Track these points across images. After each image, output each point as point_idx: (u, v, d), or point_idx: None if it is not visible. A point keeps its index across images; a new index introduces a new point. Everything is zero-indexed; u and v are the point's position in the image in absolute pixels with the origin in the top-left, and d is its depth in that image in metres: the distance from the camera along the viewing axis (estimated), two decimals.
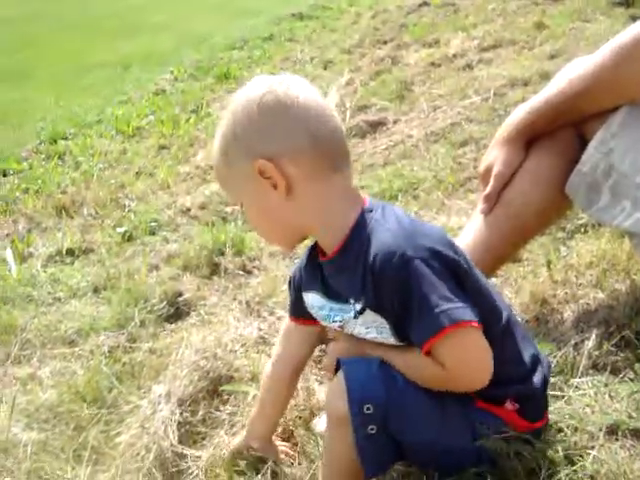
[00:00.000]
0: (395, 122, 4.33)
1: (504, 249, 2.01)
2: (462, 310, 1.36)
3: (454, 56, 5.51)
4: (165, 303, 2.68)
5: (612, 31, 1.87)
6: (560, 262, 2.31)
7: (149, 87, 7.59)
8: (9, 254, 3.69)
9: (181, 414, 1.93)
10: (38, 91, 8.41)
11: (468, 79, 4.81)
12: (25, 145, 6.17)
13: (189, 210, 3.79)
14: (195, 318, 2.57)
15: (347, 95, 4.96)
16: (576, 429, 1.58)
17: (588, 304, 2.08)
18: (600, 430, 1.56)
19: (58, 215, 4.24)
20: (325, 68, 6.46)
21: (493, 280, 2.26)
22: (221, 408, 1.97)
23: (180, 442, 1.88)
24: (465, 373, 1.42)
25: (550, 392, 1.71)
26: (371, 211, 1.46)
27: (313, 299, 1.59)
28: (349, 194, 1.49)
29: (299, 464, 1.74)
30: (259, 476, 1.71)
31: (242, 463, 1.76)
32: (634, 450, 1.52)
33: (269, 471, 1.71)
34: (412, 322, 1.39)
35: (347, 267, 1.45)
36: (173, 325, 2.58)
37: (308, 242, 1.62)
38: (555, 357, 1.84)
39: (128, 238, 3.60)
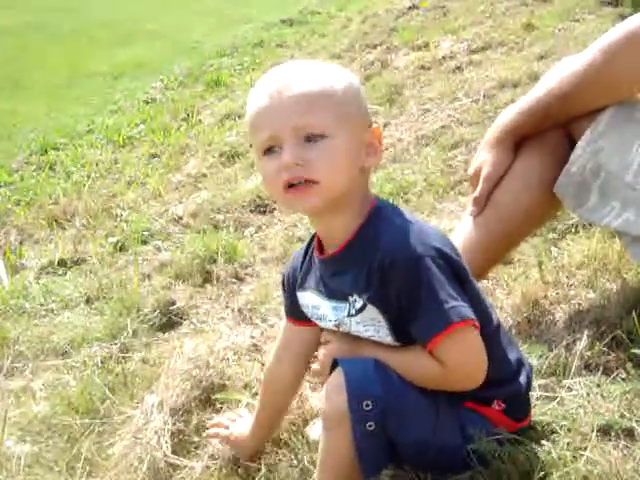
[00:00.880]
0: (385, 126, 4.33)
1: (495, 251, 2.01)
2: (467, 309, 1.40)
3: (443, 59, 5.52)
4: (157, 312, 2.67)
5: (601, 30, 1.88)
6: (551, 263, 2.31)
7: (140, 96, 7.59)
8: (1, 266, 3.68)
9: (174, 424, 1.93)
10: (29, 102, 8.39)
11: (458, 81, 4.81)
12: (16, 156, 6.16)
13: (181, 218, 3.78)
14: (187, 327, 2.56)
15: None
16: (569, 430, 1.58)
17: (580, 304, 2.08)
18: (593, 430, 1.56)
19: (50, 226, 4.23)
20: None
21: (484, 282, 2.26)
22: (215, 416, 1.96)
23: (173, 452, 1.87)
24: (464, 372, 1.45)
25: (542, 393, 1.72)
26: (381, 209, 1.49)
27: (309, 298, 1.60)
28: (368, 188, 1.54)
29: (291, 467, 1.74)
30: None
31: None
32: (627, 450, 1.52)
33: (263, 478, 1.71)
34: (418, 317, 1.41)
35: (353, 262, 1.47)
36: (166, 334, 2.57)
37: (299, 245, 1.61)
38: (547, 358, 1.84)
39: (120, 248, 3.59)
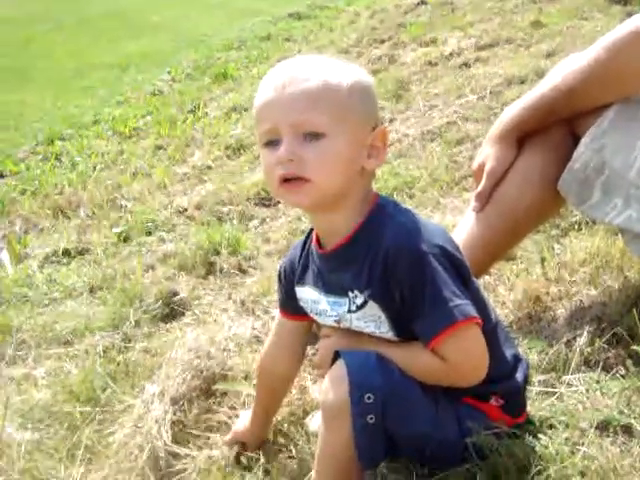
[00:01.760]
0: (391, 121, 4.33)
1: (497, 247, 2.01)
2: (470, 307, 1.41)
3: (451, 55, 5.52)
4: (160, 303, 2.67)
5: (609, 29, 1.87)
6: (554, 260, 2.31)
7: (146, 88, 7.60)
8: (5, 255, 3.70)
9: (174, 413, 1.93)
10: (36, 92, 8.41)
11: (464, 78, 4.81)
12: (22, 146, 6.18)
13: (185, 210, 3.79)
14: (190, 318, 2.56)
15: None
16: (567, 425, 1.58)
17: (581, 301, 2.08)
18: (591, 426, 1.57)
19: (55, 216, 4.25)
20: None
21: (486, 278, 2.27)
22: (215, 407, 1.97)
23: (174, 441, 1.87)
24: (466, 369, 1.46)
25: (542, 389, 1.73)
26: (383, 206, 1.49)
27: (308, 293, 1.60)
28: (371, 188, 1.53)
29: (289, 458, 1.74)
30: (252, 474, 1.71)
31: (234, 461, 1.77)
32: (625, 446, 1.53)
33: (261, 469, 1.71)
34: (421, 315, 1.42)
35: (354, 258, 1.47)
36: (168, 325, 2.58)
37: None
38: (547, 354, 1.85)
39: (124, 239, 3.60)
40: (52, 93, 8.14)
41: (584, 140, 1.87)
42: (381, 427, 1.42)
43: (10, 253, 3.72)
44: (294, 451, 1.77)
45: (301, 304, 1.65)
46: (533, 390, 1.72)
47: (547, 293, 2.14)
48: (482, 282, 2.22)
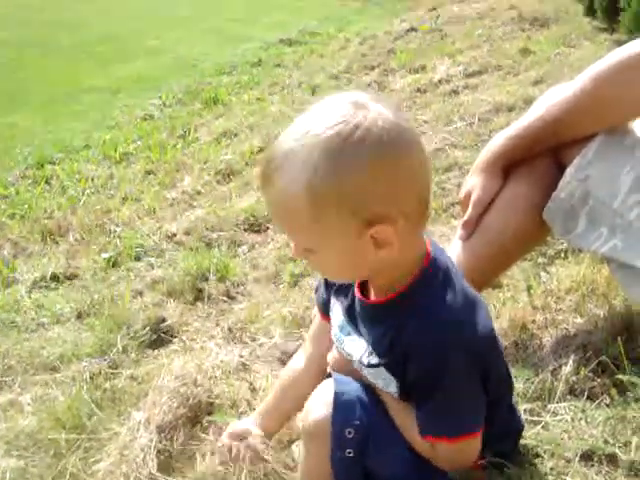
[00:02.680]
0: None
1: (483, 275, 2.01)
2: (476, 420, 1.40)
3: (440, 82, 5.57)
4: (148, 329, 2.67)
5: (596, 56, 1.90)
6: (540, 287, 2.33)
7: (137, 112, 7.61)
8: None
9: (160, 441, 1.92)
10: (26, 115, 8.41)
11: (453, 105, 4.85)
12: (12, 170, 6.16)
13: (174, 235, 3.78)
14: (177, 344, 2.56)
15: None
16: (552, 454, 1.59)
17: (567, 329, 2.10)
18: (576, 456, 1.57)
19: (44, 240, 4.23)
20: (313, 93, 6.50)
21: None
22: (202, 435, 1.96)
23: (159, 470, 1.87)
24: (449, 465, 1.46)
25: (528, 417, 1.73)
26: (432, 274, 1.38)
27: (337, 312, 1.56)
28: (421, 244, 1.40)
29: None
30: None
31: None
32: (609, 476, 1.54)
33: None
34: (425, 411, 1.39)
35: (382, 322, 1.41)
36: (155, 351, 2.57)
37: None
38: (533, 382, 1.86)
39: (113, 264, 3.59)
40: (43, 116, 8.14)
41: (569, 170, 1.89)
42: (359, 462, 1.42)
43: None
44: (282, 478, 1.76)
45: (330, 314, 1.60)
46: None
47: (533, 321, 2.15)
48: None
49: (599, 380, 1.83)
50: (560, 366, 1.90)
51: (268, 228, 3.61)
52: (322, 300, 1.65)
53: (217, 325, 2.60)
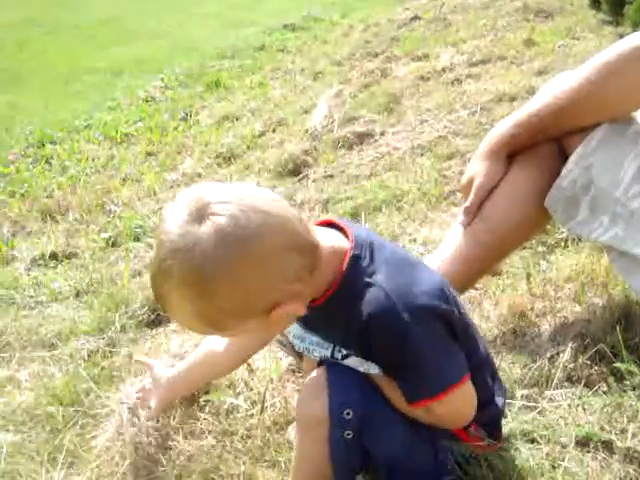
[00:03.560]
0: (382, 134, 4.34)
1: (483, 262, 2.01)
2: (455, 370, 1.39)
3: (443, 70, 5.54)
4: (146, 309, 2.67)
5: (600, 49, 1.88)
6: (539, 276, 2.33)
7: (139, 94, 7.58)
8: None
9: (157, 420, 1.93)
10: (28, 95, 8.39)
11: (456, 93, 4.83)
12: (12, 149, 6.15)
13: None
14: (174, 324, 2.56)
15: (336, 106, 4.99)
16: (549, 440, 1.60)
17: (565, 317, 2.10)
18: (572, 442, 1.58)
19: (43, 219, 4.23)
20: (315, 79, 6.48)
21: (472, 292, 2.28)
22: (198, 414, 1.97)
23: (156, 447, 1.88)
24: (453, 423, 1.47)
25: (524, 403, 1.74)
26: (359, 258, 1.37)
27: (294, 327, 1.56)
28: (332, 253, 1.36)
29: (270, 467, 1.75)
30: None
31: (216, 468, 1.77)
32: (605, 462, 1.54)
33: (242, 476, 1.71)
34: (403, 380, 1.39)
35: (334, 319, 1.41)
36: (153, 331, 2.58)
37: None
38: (530, 369, 1.86)
39: (112, 243, 3.59)
40: (44, 96, 8.10)
41: (572, 158, 1.89)
42: (358, 443, 1.42)
43: None
44: (276, 459, 1.77)
45: (288, 335, 1.62)
46: (515, 404, 1.73)
47: (532, 309, 2.16)
48: (467, 296, 2.24)
49: (597, 368, 1.83)
50: (558, 353, 1.90)
51: None
52: None
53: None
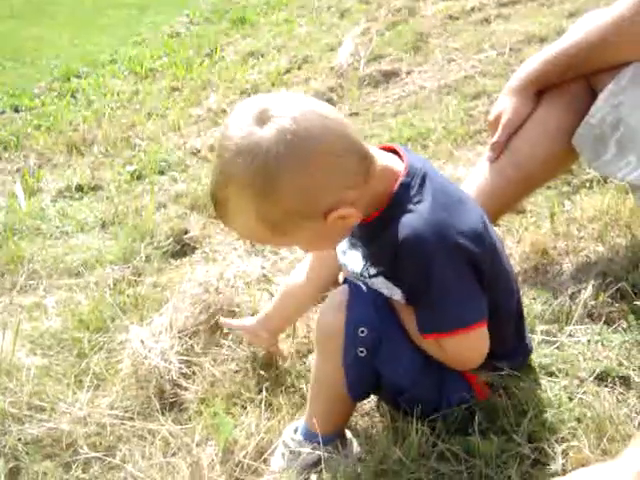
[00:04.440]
0: (408, 73, 4.30)
1: (507, 197, 2.01)
2: (474, 311, 1.40)
3: (472, 10, 5.44)
4: (171, 240, 2.70)
5: None
6: (563, 215, 2.32)
7: (164, 29, 7.54)
8: (19, 188, 3.72)
9: (181, 345, 1.97)
10: (53, 29, 8.37)
11: (485, 33, 4.76)
12: (38, 82, 6.16)
13: (199, 151, 3.80)
14: (199, 255, 2.59)
15: (362, 44, 4.94)
16: (567, 374, 1.61)
17: (588, 256, 2.10)
18: (590, 376, 1.60)
19: (69, 152, 4.26)
20: (342, 17, 6.39)
21: (495, 229, 2.28)
22: (221, 341, 2.01)
23: (179, 372, 1.91)
24: (461, 363, 1.48)
25: (544, 337, 1.75)
26: (409, 185, 1.39)
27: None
28: (386, 171, 1.40)
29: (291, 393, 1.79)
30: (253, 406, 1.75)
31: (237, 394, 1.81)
32: (622, 396, 1.56)
33: (263, 402, 1.75)
34: (421, 309, 1.41)
35: (375, 239, 1.44)
36: (178, 261, 2.61)
37: None
38: (551, 305, 1.87)
39: (137, 177, 3.61)
40: (69, 30, 8.09)
41: (602, 96, 1.87)
42: (370, 362, 1.45)
43: (24, 186, 3.75)
44: (297, 386, 1.81)
45: None
46: (535, 339, 1.74)
47: (554, 247, 2.16)
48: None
49: (617, 305, 1.84)
50: (579, 290, 1.90)
51: None
52: None
53: (239, 238, 2.61)
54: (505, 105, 2.00)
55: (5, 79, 6.57)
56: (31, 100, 5.66)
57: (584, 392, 1.54)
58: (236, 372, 1.89)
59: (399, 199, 1.39)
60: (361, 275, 1.51)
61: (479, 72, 4.03)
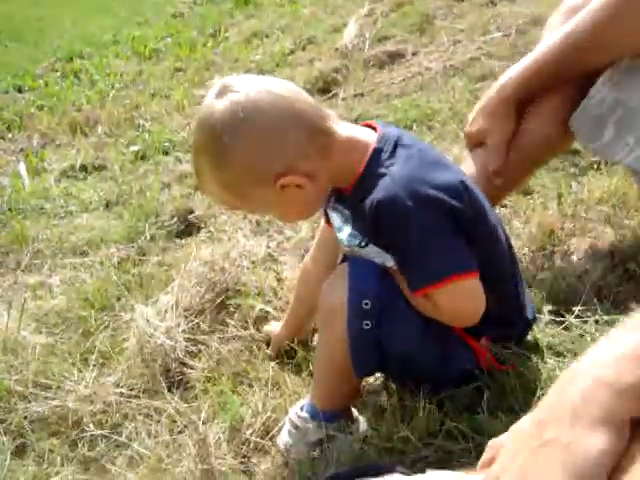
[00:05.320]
0: (414, 54, 4.27)
1: (507, 179, 1.97)
2: (457, 261, 1.40)
3: None
4: (175, 219, 2.70)
5: None
6: (571, 197, 2.31)
7: (167, 10, 7.50)
8: (22, 168, 3.71)
9: (187, 324, 1.96)
10: (56, 9, 8.33)
11: (491, 15, 4.71)
12: (41, 63, 6.13)
13: None
14: (205, 235, 2.59)
15: (367, 26, 4.89)
16: (575, 354, 1.60)
17: (595, 238, 2.09)
18: None
19: (72, 132, 4.24)
20: None
21: (502, 210, 2.27)
22: (227, 320, 2.00)
23: (185, 351, 1.91)
24: (456, 317, 1.46)
25: (552, 317, 1.74)
26: (381, 151, 1.44)
27: (334, 219, 1.61)
28: (352, 143, 1.46)
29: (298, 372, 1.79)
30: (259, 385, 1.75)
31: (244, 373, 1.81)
32: None
33: (270, 381, 1.75)
34: (406, 267, 1.43)
35: (357, 208, 1.45)
36: (183, 241, 2.61)
37: None
38: (559, 285, 1.86)
39: (141, 157, 3.60)
40: (72, 11, 8.05)
41: (601, 79, 1.83)
42: (375, 335, 1.45)
43: (27, 166, 3.74)
44: (302, 365, 1.81)
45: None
46: (542, 319, 1.73)
47: (562, 228, 2.15)
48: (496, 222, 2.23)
49: (625, 286, 1.83)
50: (587, 271, 1.90)
51: None
52: (324, 212, 1.70)
53: (244, 218, 2.61)
54: (488, 126, 1.91)
55: (8, 59, 6.55)
56: (34, 81, 5.64)
57: None
58: (242, 351, 1.89)
59: (372, 165, 1.43)
60: (355, 247, 1.52)
61: (485, 54, 4.00)
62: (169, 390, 1.83)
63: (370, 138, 1.47)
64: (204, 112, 1.41)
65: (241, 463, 1.57)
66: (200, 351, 1.92)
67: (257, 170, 1.40)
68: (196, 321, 1.99)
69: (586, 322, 1.72)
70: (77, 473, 1.65)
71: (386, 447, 1.47)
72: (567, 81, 1.87)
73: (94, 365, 1.96)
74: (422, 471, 1.14)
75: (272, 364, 1.83)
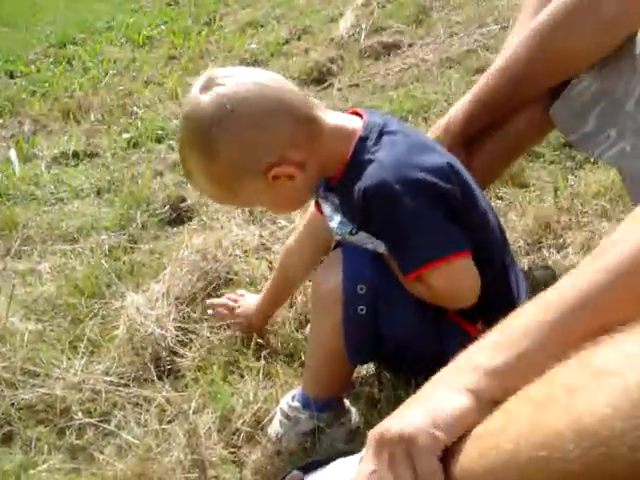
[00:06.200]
0: (410, 46, 4.25)
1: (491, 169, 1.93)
2: (448, 241, 1.39)
3: None
4: (168, 207, 2.67)
5: None
6: (567, 190, 2.30)
7: None
8: (13, 154, 3.67)
9: (178, 312, 1.94)
10: None
11: (488, 7, 4.70)
12: (33, 48, 6.07)
13: None
14: (197, 223, 2.56)
15: (363, 16, 4.86)
16: None
17: (592, 232, 2.07)
18: None
19: (64, 119, 4.20)
20: None
21: (498, 203, 2.26)
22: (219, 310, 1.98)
23: (175, 340, 1.89)
24: (451, 298, 1.44)
25: None
26: (366, 138, 1.44)
27: (324, 208, 1.59)
28: (339, 130, 1.46)
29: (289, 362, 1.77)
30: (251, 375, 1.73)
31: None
32: None
33: (262, 370, 1.73)
34: (399, 252, 1.41)
35: (346, 196, 1.45)
36: (175, 229, 2.58)
37: None
38: (554, 278, 1.84)
39: (134, 144, 3.56)
40: None
41: (583, 74, 1.79)
42: (370, 321, 1.43)
43: (18, 153, 3.70)
44: (295, 354, 1.79)
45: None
46: None
47: (558, 221, 2.13)
48: (492, 206, 2.21)
49: None
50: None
51: None
52: (315, 201, 1.70)
53: (237, 207, 2.58)
54: None
55: (0, 44, 6.49)
56: (26, 66, 5.58)
57: None
58: (233, 340, 1.86)
59: (358, 152, 1.43)
60: (347, 234, 1.50)
61: (482, 46, 3.98)
62: (159, 379, 1.80)
63: (357, 125, 1.47)
64: (190, 106, 1.39)
65: (231, 453, 1.55)
66: (191, 340, 1.90)
67: (247, 162, 1.39)
68: (187, 310, 1.97)
69: None
70: (64, 462, 1.63)
71: None
72: (522, 103, 1.82)
73: (83, 353, 1.93)
74: None
75: (264, 353, 1.80)
